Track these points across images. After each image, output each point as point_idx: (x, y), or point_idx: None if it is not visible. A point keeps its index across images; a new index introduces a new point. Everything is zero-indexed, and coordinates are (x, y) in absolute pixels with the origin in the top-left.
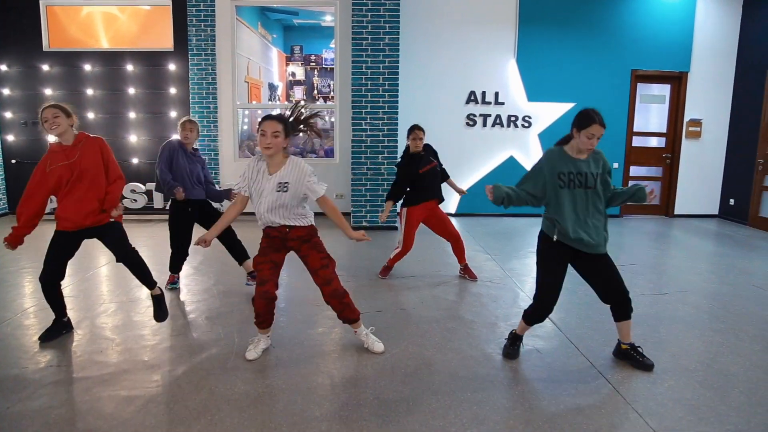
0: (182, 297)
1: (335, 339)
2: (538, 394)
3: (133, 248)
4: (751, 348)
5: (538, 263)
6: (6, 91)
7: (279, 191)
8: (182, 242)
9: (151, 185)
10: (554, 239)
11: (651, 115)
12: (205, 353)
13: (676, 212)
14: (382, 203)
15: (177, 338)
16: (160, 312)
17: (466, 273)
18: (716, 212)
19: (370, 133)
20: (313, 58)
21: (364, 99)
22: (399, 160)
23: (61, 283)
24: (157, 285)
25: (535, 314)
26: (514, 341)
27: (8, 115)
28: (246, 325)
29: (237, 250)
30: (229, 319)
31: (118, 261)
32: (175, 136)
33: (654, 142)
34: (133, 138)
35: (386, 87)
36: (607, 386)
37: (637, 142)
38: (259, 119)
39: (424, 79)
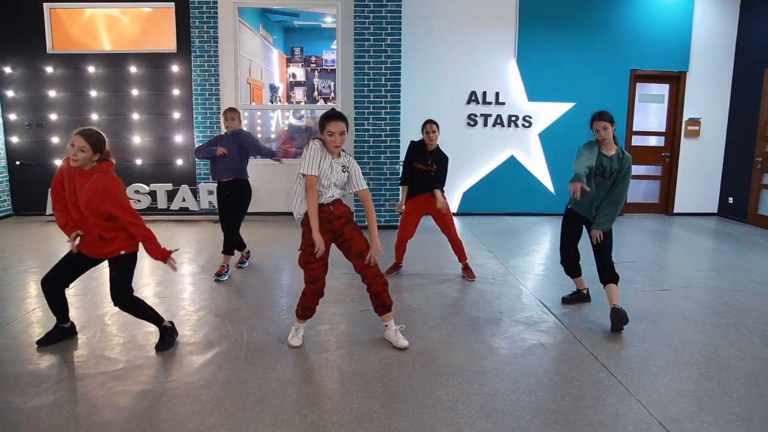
0: (191, 295)
1: (342, 334)
2: (544, 386)
3: (132, 296)
4: (752, 342)
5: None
6: (10, 93)
7: (344, 172)
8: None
9: (155, 185)
10: (569, 207)
11: (650, 114)
12: (215, 349)
13: (675, 210)
14: (385, 203)
15: (187, 336)
16: (161, 344)
17: (466, 273)
18: (715, 210)
19: (372, 133)
20: (313, 59)
21: (366, 99)
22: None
23: (65, 290)
24: (165, 320)
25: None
26: (573, 293)
27: (12, 116)
28: (255, 322)
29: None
30: (237, 316)
31: (114, 305)
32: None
33: (653, 141)
34: (136, 139)
35: (388, 87)
36: (611, 378)
37: (636, 141)
38: (321, 117)
39: (425, 80)
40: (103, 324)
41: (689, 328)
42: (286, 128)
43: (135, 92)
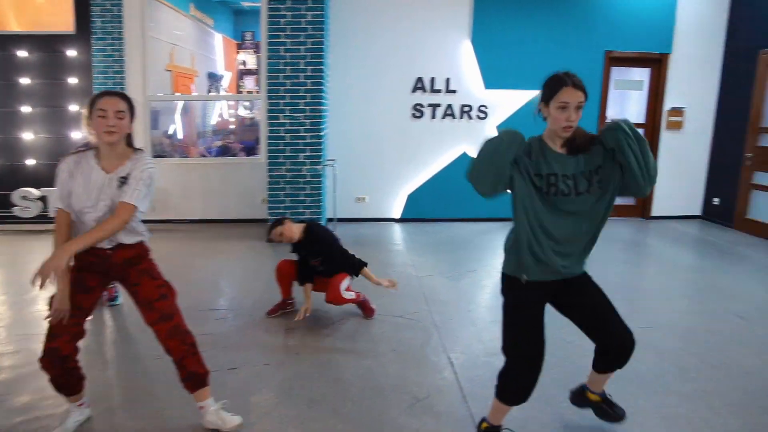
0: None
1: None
2: None
3: None
4: (727, 427)
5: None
6: None
7: (121, 186)
8: None
9: (48, 190)
10: (523, 280)
11: (627, 103)
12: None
13: (653, 213)
14: (305, 211)
15: None
16: None
17: (362, 308)
18: (699, 213)
19: (289, 127)
20: None
21: (282, 87)
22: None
23: None
24: None
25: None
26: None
27: None
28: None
29: None
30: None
31: None
32: None
33: None
34: (27, 136)
35: (309, 73)
36: None
37: None
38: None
39: (362, 65)
40: None
41: (645, 400)
42: (227, 120)
43: (25, 81)
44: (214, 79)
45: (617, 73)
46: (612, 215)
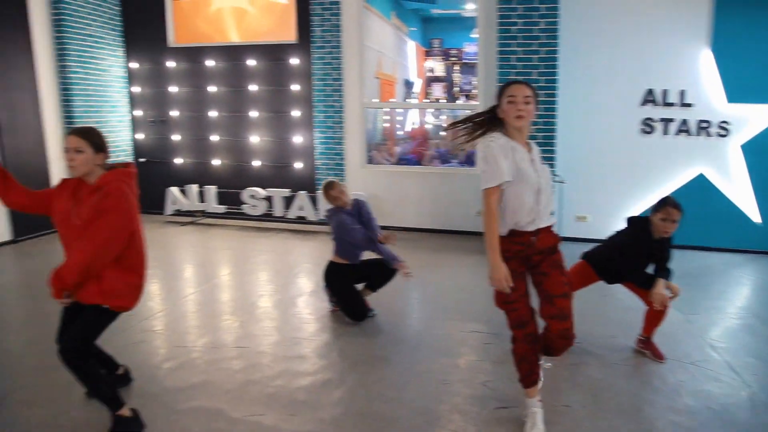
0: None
1: None
2: None
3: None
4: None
5: None
6: (137, 89)
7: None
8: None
9: (273, 190)
10: None
11: None
12: None
13: None
14: None
15: None
16: None
17: (648, 349)
18: None
19: None
20: (453, 52)
21: None
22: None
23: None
24: (126, 408)
25: None
26: None
27: (138, 113)
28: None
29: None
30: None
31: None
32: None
33: None
34: (254, 139)
35: (542, 83)
36: None
37: None
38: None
39: (586, 74)
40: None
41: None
42: (421, 127)
43: (253, 87)
44: (408, 86)
45: None
46: None
